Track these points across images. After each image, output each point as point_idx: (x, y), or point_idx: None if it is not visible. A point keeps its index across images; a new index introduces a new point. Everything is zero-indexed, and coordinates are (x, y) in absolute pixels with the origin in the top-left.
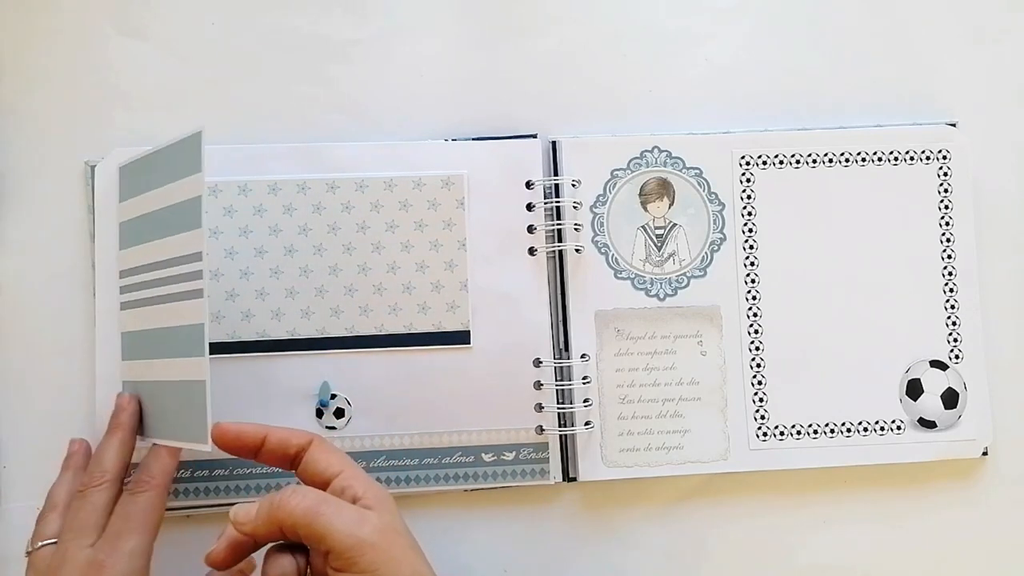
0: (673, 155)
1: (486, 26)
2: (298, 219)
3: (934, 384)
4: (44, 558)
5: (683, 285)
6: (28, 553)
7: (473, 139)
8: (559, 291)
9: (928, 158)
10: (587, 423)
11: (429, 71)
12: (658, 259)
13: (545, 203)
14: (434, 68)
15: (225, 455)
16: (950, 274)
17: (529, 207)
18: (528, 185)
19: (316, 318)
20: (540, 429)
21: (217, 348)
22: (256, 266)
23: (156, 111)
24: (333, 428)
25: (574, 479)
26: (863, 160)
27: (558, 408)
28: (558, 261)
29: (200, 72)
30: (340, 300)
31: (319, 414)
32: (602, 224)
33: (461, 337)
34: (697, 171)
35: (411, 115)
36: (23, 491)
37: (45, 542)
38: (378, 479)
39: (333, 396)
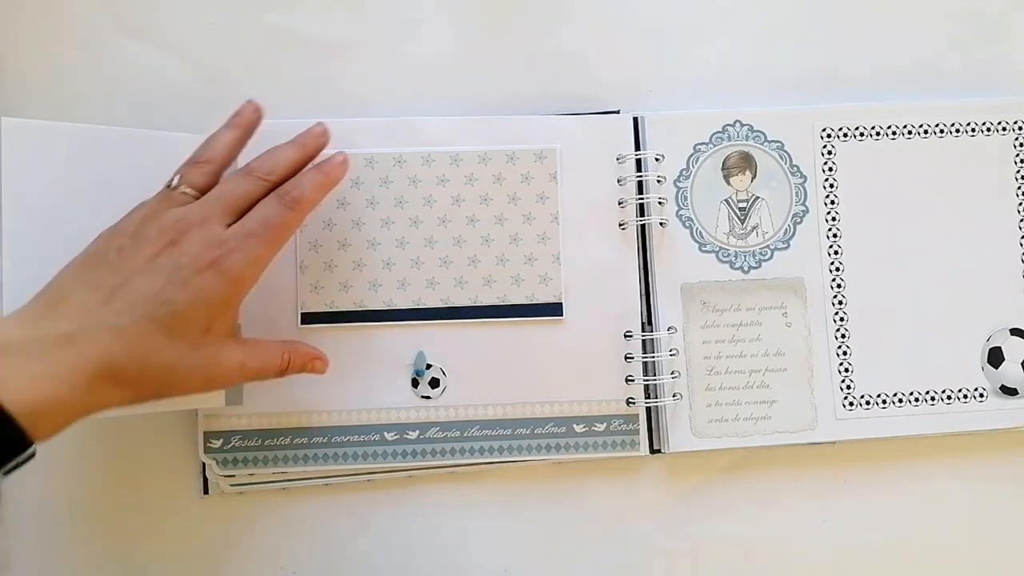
0: (755, 129)
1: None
2: (394, 192)
3: (1015, 352)
4: (179, 204)
5: (767, 257)
6: (169, 187)
7: (563, 114)
8: (643, 264)
9: (1004, 129)
10: (674, 395)
11: (430, 71)
12: (741, 232)
13: (631, 177)
14: (434, 69)
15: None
16: None
17: (619, 181)
18: (618, 159)
19: (412, 289)
20: (631, 400)
21: (315, 318)
22: (354, 237)
23: (157, 111)
24: (428, 398)
25: (658, 451)
26: (941, 132)
27: (646, 380)
28: (642, 235)
29: (200, 72)
30: (435, 272)
31: (415, 384)
32: (686, 198)
33: (554, 309)
34: (778, 144)
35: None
36: (23, 491)
37: (189, 191)
38: (471, 448)
39: (429, 366)
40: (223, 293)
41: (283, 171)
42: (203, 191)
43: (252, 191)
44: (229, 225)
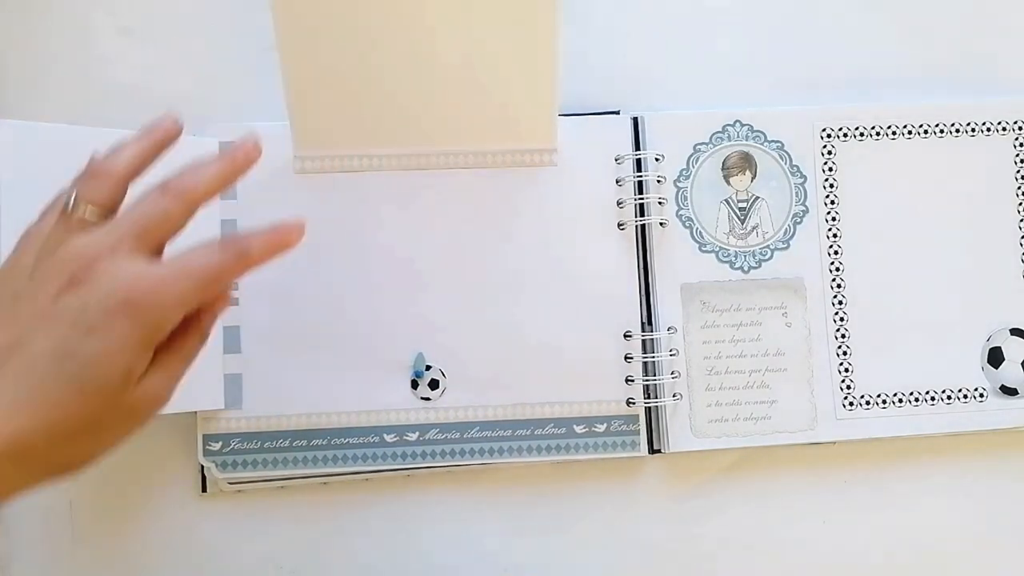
0: (755, 129)
1: None
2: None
3: (1015, 352)
4: (79, 229)
5: (767, 257)
6: (66, 208)
7: (563, 114)
8: (643, 264)
9: (1004, 129)
10: (674, 395)
11: None
12: (741, 232)
13: (630, 178)
14: None
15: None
16: None
17: (618, 182)
18: (617, 160)
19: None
20: (631, 401)
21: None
22: None
23: (157, 111)
24: (428, 399)
25: (658, 451)
26: (941, 132)
27: (646, 380)
28: (642, 235)
29: (200, 71)
30: None
31: (414, 385)
32: (686, 198)
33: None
34: (778, 144)
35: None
36: None
37: (90, 211)
38: (471, 450)
39: (428, 367)
40: (140, 335)
41: (206, 190)
42: (107, 209)
43: (171, 212)
44: (143, 255)
